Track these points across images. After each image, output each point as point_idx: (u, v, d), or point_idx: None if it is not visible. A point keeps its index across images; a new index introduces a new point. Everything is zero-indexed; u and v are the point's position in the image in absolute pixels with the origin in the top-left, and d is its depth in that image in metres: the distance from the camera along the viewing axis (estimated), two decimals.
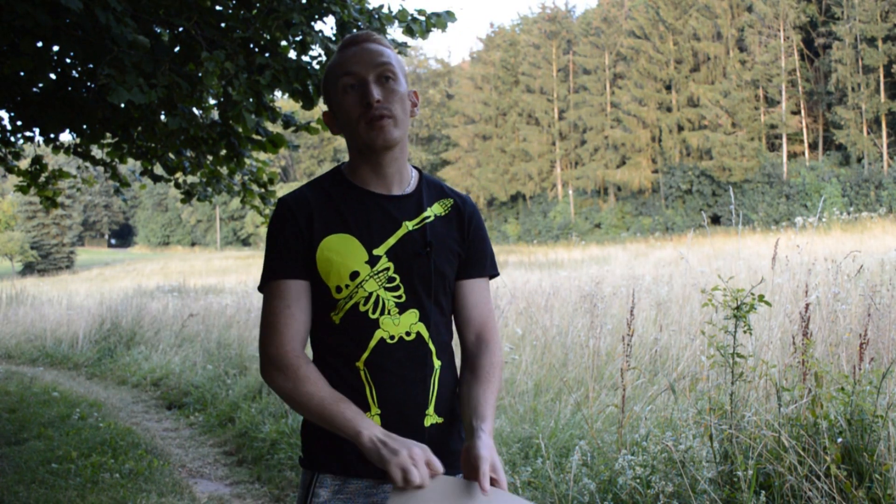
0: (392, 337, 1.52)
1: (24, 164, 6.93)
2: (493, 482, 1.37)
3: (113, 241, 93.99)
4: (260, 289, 1.55)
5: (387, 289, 1.53)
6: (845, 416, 3.04)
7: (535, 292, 8.64)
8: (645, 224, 51.48)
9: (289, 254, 1.52)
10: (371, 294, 1.51)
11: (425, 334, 1.55)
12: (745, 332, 3.25)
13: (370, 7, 5.00)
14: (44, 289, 23.68)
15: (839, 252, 8.30)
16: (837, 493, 2.83)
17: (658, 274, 9.78)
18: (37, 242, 57.90)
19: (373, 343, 1.51)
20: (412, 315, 1.54)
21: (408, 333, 1.53)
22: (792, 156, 49.87)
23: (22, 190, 6.63)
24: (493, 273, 1.71)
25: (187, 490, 4.72)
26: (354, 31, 4.81)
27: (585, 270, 12.29)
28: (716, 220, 45.33)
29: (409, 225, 1.56)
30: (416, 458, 1.33)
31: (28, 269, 55.84)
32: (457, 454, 1.56)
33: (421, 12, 4.96)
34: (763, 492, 2.94)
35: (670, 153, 52.43)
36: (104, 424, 6.46)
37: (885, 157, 44.39)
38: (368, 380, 1.51)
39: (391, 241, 1.54)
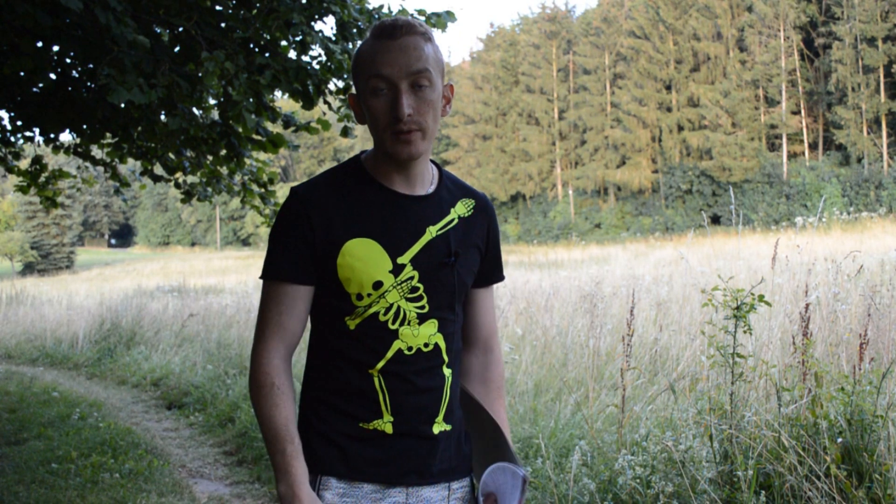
0: (410, 348, 1.48)
1: (24, 164, 6.93)
2: None
3: (113, 241, 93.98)
4: (261, 278, 1.50)
5: (409, 299, 1.47)
6: (845, 416, 3.04)
7: (535, 292, 8.64)
8: (645, 224, 51.47)
9: (295, 254, 1.45)
10: (393, 305, 1.46)
11: (442, 345, 1.52)
12: (745, 332, 3.25)
13: (370, 7, 5.00)
14: (44, 289, 23.65)
15: (839, 252, 8.30)
16: (837, 493, 2.83)
17: (658, 274, 9.78)
18: (37, 242, 57.88)
19: (390, 353, 1.47)
20: (431, 326, 1.50)
21: (426, 345, 1.49)
22: (792, 156, 49.86)
23: (22, 190, 6.63)
24: (502, 278, 1.71)
25: (187, 490, 4.72)
26: (355, 30, 4.81)
27: (585, 270, 12.28)
28: (716, 220, 45.33)
29: (433, 231, 1.50)
30: None
31: (28, 269, 55.81)
32: (458, 459, 1.58)
33: (421, 12, 4.96)
34: (763, 492, 2.94)
35: (670, 153, 52.42)
36: (104, 424, 6.46)
37: (885, 157, 44.38)
38: (383, 387, 1.47)
39: (415, 248, 1.47)
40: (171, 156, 6.27)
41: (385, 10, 5.02)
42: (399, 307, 1.46)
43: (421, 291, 1.48)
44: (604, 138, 55.37)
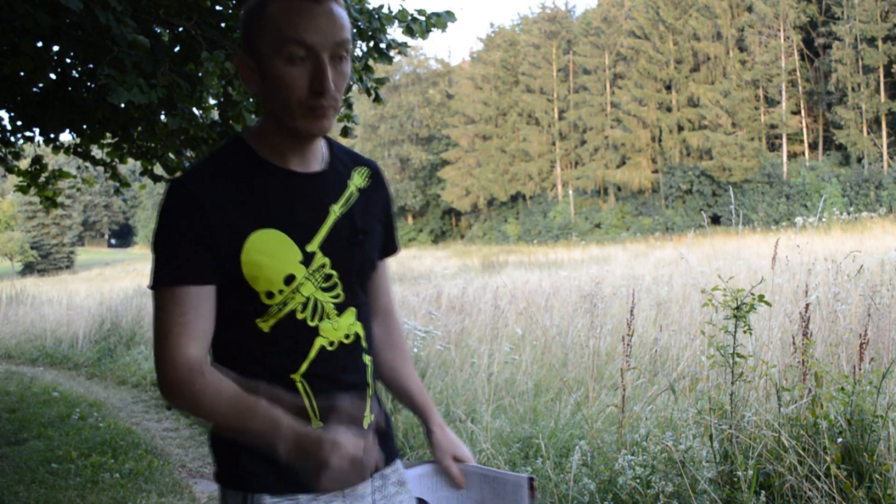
0: (332, 343, 1.36)
1: (24, 164, 6.93)
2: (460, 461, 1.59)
3: (113, 241, 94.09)
4: (151, 288, 1.28)
5: (323, 289, 1.35)
6: (845, 416, 3.04)
7: (535, 292, 8.64)
8: (645, 224, 51.48)
9: (190, 253, 1.26)
10: (309, 299, 1.33)
11: (362, 333, 1.42)
12: (745, 332, 3.25)
13: (370, 7, 4.99)
14: (44, 289, 23.66)
15: (839, 252, 8.30)
16: (837, 493, 2.83)
17: (658, 274, 9.78)
18: (37, 242, 57.94)
19: (313, 353, 1.34)
20: (350, 315, 1.39)
21: (346, 336, 1.38)
22: (792, 156, 49.88)
23: (22, 190, 6.63)
24: (397, 248, 1.60)
25: (187, 490, 4.72)
26: (355, 30, 4.81)
27: (585, 270, 12.28)
28: (716, 220, 45.33)
29: (336, 210, 1.37)
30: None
31: (28, 269, 55.87)
32: (383, 445, 1.44)
33: (421, 12, 4.95)
34: (763, 492, 2.94)
35: (670, 153, 52.44)
36: (104, 424, 6.46)
37: (885, 157, 44.39)
38: (308, 392, 1.34)
39: (322, 232, 1.34)
40: (171, 156, 6.27)
41: (385, 11, 5.02)
42: (316, 300, 1.34)
43: (335, 279, 1.36)
44: (604, 138, 55.38)
